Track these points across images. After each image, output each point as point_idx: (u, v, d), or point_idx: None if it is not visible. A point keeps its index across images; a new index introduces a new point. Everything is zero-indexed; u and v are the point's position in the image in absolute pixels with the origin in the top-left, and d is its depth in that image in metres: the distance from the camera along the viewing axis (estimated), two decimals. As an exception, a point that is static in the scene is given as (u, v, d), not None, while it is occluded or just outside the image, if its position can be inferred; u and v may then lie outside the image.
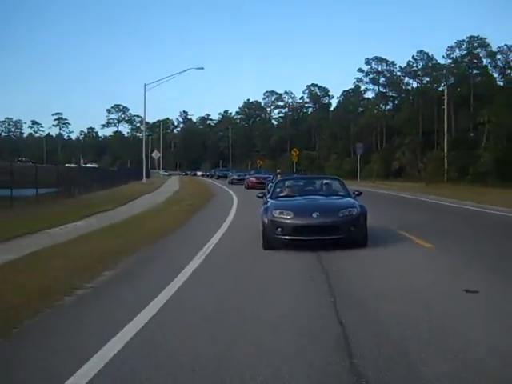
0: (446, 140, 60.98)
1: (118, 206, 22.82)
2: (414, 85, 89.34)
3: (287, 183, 13.36)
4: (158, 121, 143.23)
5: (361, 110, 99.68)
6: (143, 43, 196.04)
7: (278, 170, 44.78)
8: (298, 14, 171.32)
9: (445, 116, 62.34)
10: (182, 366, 4.44)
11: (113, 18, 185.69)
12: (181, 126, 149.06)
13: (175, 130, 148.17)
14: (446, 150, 59.92)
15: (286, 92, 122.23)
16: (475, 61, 77.78)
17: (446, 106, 62.17)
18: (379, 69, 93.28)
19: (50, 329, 5.60)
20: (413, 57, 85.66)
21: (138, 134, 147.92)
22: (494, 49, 75.96)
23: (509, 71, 76.68)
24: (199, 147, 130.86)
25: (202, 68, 53.69)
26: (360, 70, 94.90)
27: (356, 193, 12.47)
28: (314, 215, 10.54)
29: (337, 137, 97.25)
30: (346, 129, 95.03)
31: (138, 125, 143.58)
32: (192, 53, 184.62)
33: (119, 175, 50.08)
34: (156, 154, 57.88)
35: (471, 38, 75.97)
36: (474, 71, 78.56)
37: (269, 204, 11.47)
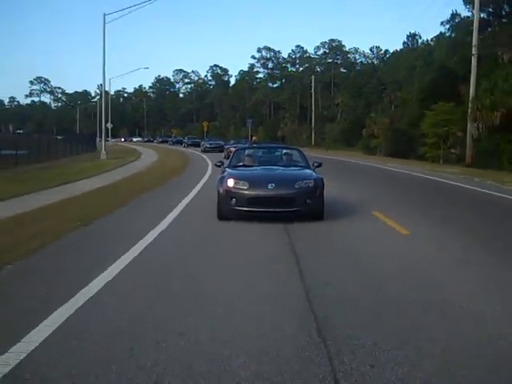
0: (313, 116, 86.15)
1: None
2: (294, 70, 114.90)
3: (247, 152, 12.93)
4: (76, 92, 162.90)
5: (255, 86, 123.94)
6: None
7: (254, 138, 49.65)
8: (205, 3, 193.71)
9: (312, 99, 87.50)
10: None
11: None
12: (97, 98, 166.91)
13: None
14: (313, 124, 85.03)
15: (192, 71, 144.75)
16: (338, 55, 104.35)
17: (313, 91, 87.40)
18: (268, 56, 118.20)
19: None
20: (292, 50, 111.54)
21: (59, 104, 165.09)
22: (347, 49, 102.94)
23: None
24: (117, 117, 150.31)
25: (147, 68, 73.35)
26: (253, 57, 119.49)
27: (316, 164, 12.03)
28: (270, 186, 10.29)
29: (235, 109, 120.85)
30: (243, 103, 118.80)
31: (60, 96, 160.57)
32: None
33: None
34: (109, 125, 78.67)
35: (331, 40, 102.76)
36: (339, 61, 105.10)
37: (225, 173, 11.15)
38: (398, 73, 65.09)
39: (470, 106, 29.74)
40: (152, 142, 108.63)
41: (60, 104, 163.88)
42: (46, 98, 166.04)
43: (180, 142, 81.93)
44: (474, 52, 30.04)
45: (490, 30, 38.07)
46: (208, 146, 54.24)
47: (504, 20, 37.43)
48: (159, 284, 5.97)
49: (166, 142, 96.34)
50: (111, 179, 20.13)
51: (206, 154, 46.38)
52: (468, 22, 40.49)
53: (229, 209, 10.38)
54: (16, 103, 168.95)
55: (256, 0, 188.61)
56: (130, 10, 42.09)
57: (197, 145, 65.24)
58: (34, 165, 27.89)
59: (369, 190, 16.77)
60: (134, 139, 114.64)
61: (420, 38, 73.37)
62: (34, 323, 4.56)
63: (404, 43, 75.13)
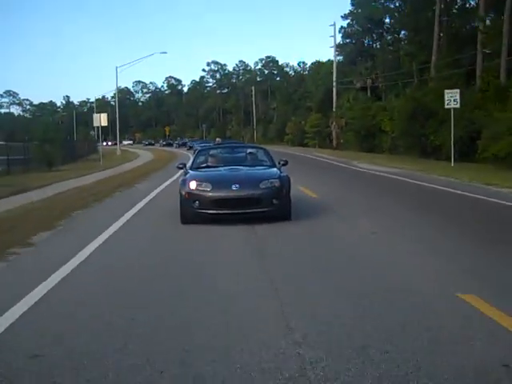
0: (254, 119, 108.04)
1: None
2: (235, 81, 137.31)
3: (210, 152, 12.72)
4: (41, 103, 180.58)
5: (206, 95, 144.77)
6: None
7: (218, 139, 55.27)
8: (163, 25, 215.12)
9: (253, 105, 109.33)
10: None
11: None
12: (61, 108, 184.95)
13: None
14: (254, 125, 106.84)
15: (150, 82, 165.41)
16: (274, 68, 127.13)
17: (253, 99, 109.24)
18: (216, 69, 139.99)
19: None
20: (236, 64, 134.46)
21: (26, 115, 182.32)
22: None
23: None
24: (83, 125, 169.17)
25: (121, 86, 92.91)
26: (203, 70, 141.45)
27: (282, 162, 11.82)
28: (234, 187, 10.06)
29: (189, 115, 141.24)
30: (195, 109, 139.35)
31: (28, 107, 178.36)
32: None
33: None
34: (93, 133, 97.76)
35: (267, 57, 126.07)
36: (275, 72, 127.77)
37: (187, 175, 10.90)
38: (309, 87, 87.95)
39: (333, 115, 52.28)
40: (153, 145, 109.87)
41: (27, 115, 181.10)
42: (15, 110, 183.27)
43: (184, 145, 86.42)
44: (334, 85, 52.51)
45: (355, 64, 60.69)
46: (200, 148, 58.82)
47: (360, 58, 60.43)
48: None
49: (171, 145, 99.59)
50: (146, 159, 41.39)
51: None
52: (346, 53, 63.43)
53: (192, 212, 10.13)
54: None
55: (207, 21, 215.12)
56: (132, 63, 62.77)
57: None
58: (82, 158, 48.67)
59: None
60: (125, 142, 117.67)
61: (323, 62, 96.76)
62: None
63: (311, 66, 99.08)
